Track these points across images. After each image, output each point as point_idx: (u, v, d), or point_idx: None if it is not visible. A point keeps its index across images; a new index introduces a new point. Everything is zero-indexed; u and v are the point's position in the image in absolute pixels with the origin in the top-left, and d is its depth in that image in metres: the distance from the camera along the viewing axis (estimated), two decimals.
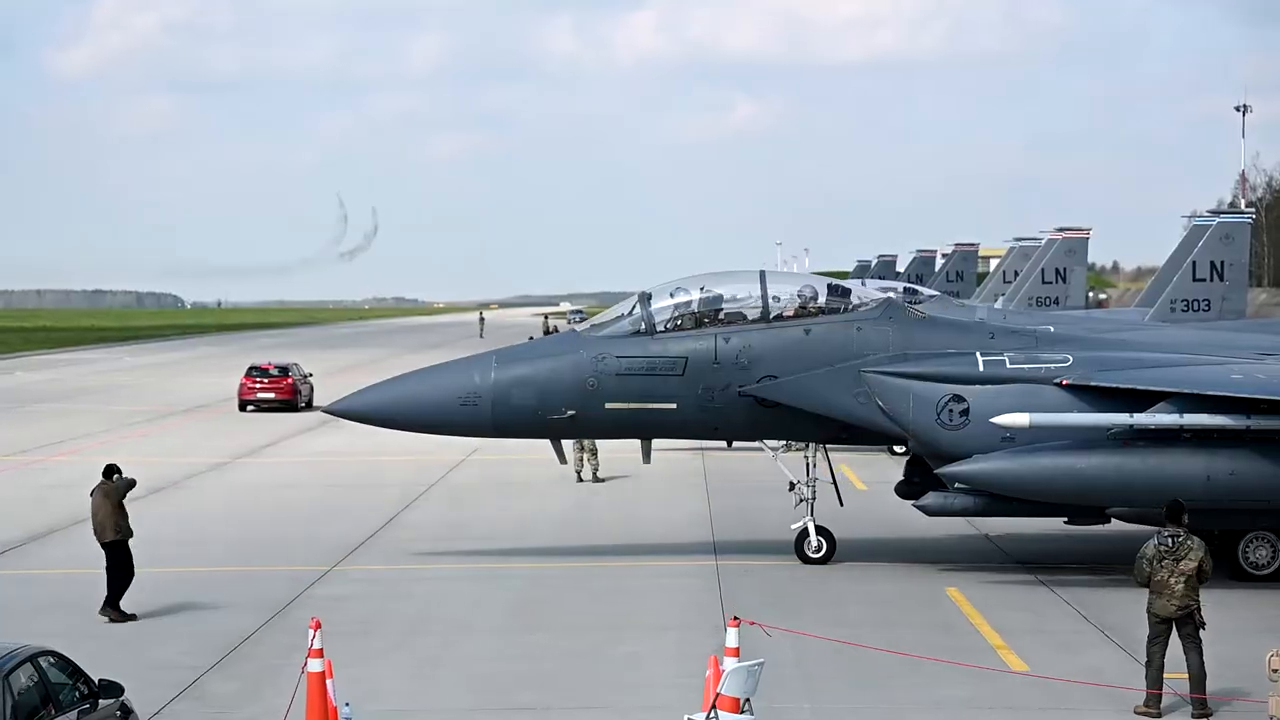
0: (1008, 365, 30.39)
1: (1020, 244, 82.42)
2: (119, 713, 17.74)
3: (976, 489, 29.63)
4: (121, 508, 27.80)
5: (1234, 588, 28.87)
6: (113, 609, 27.29)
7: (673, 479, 43.92)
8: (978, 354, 30.60)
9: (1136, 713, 21.13)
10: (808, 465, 32.16)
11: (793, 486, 32.08)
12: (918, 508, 30.83)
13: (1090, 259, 75.11)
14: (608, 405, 30.86)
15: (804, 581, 29.94)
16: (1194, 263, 57.09)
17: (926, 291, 62.06)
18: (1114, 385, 29.61)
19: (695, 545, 33.65)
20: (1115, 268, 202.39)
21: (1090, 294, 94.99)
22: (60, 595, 29.37)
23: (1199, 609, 21.18)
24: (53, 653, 17.16)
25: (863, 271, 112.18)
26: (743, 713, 18.12)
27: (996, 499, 29.69)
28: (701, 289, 31.60)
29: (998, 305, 68.23)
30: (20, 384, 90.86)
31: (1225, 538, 29.74)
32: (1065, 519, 31.07)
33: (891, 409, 30.40)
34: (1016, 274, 75.96)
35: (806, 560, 31.59)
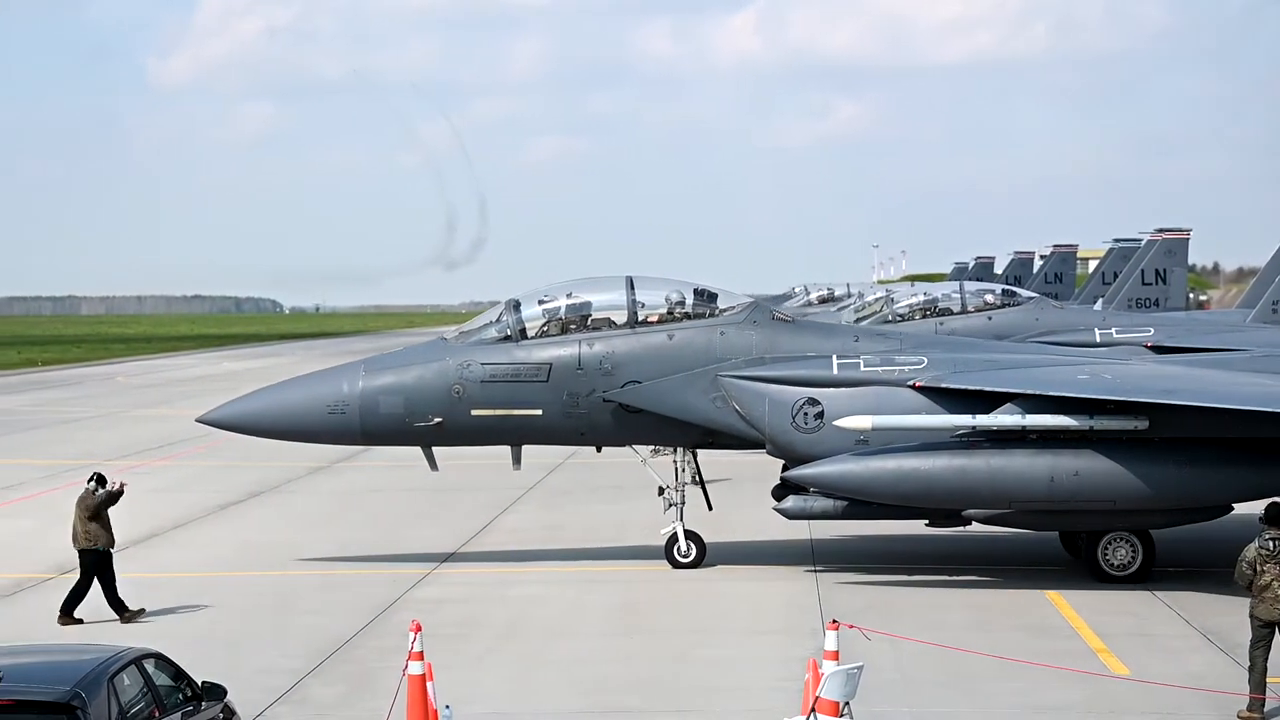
0: (861, 368, 30.50)
1: (1119, 245, 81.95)
2: (222, 715, 17.86)
3: (824, 492, 29.73)
4: (98, 517, 27.79)
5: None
6: (66, 614, 27.46)
7: (765, 480, 43.78)
8: (834, 357, 30.67)
9: (1240, 718, 20.95)
10: (676, 470, 32.13)
11: (662, 491, 32.08)
12: (778, 511, 30.85)
13: (1190, 260, 74.64)
14: (474, 412, 30.87)
15: (902, 585, 29.84)
16: None
17: (1024, 293, 61.63)
18: (964, 387, 29.66)
19: (792, 548, 33.56)
20: (1216, 269, 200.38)
21: (1190, 295, 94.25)
22: (162, 598, 29.60)
23: None
24: (157, 655, 17.31)
25: (960, 274, 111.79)
26: (842, 716, 18.08)
27: (855, 502, 29.68)
28: (569, 295, 31.70)
29: (1097, 307, 67.81)
30: (121, 388, 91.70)
31: (1085, 539, 29.99)
32: (926, 522, 30.95)
33: (748, 413, 30.50)
34: (1116, 275, 75.52)
35: (676, 565, 31.64)
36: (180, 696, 17.12)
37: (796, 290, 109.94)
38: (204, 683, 17.86)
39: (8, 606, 28.64)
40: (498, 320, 31.38)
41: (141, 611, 27.58)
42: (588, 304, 31.55)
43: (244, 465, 45.83)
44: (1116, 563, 29.78)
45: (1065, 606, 27.89)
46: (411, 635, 19.04)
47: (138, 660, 16.67)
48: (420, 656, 18.89)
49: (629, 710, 21.76)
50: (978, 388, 29.48)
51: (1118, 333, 53.30)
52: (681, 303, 31.50)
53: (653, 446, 32.45)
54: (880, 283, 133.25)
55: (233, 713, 18.25)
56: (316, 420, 31.12)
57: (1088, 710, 21.49)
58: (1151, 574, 29.79)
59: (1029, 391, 28.93)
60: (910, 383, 30.09)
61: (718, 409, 30.62)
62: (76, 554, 27.97)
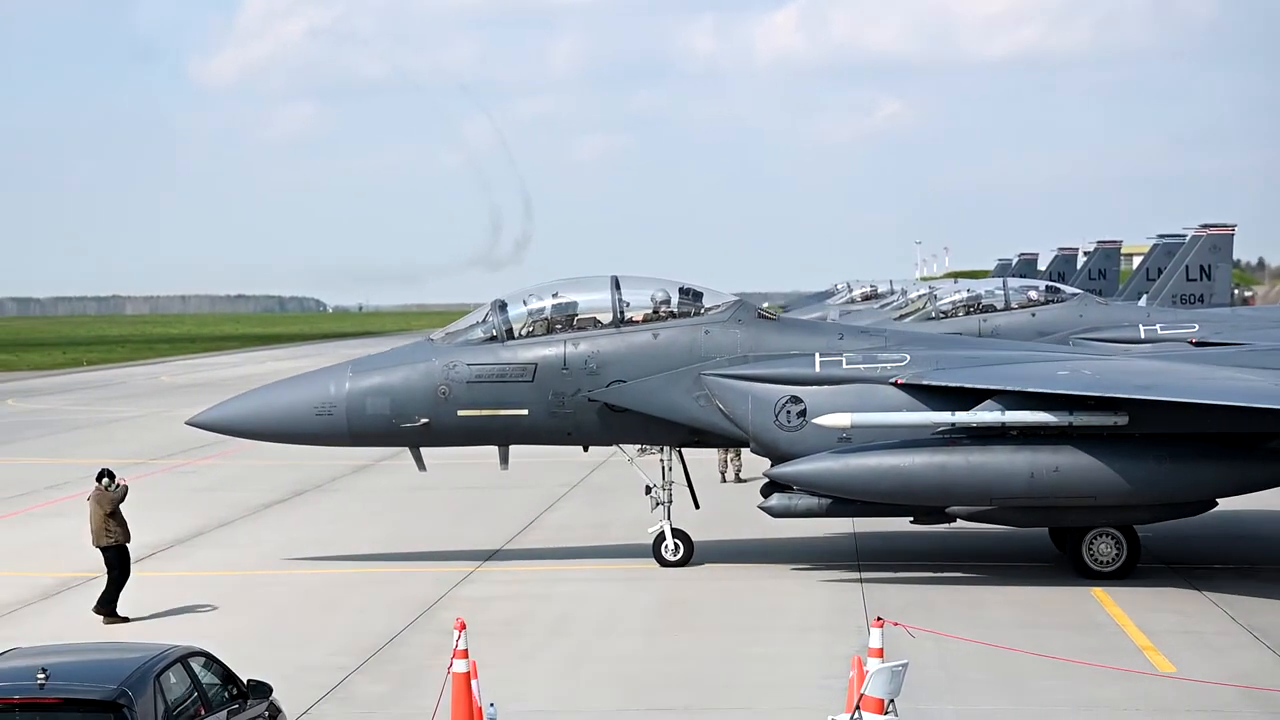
0: (844, 366, 30.53)
1: (1164, 241, 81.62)
2: (268, 713, 17.93)
3: (805, 489, 29.79)
4: (116, 514, 27.91)
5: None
6: (105, 610, 27.67)
7: None
8: (816, 355, 30.69)
9: None
10: (663, 469, 32.15)
11: (649, 490, 32.12)
12: (763, 509, 30.82)
13: (1235, 255, 74.30)
14: (460, 413, 30.96)
15: (947, 582, 29.78)
16: None
17: (1068, 289, 61.49)
18: (945, 384, 29.66)
19: (836, 545, 33.52)
20: (1261, 264, 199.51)
21: (1235, 291, 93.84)
22: (207, 596, 29.71)
23: None
24: (203, 653, 17.38)
25: (1004, 270, 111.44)
26: (887, 714, 18.05)
27: (839, 500, 29.68)
28: (554, 295, 31.76)
29: (1141, 303, 67.57)
30: (165, 387, 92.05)
31: (1070, 535, 30.09)
32: (910, 519, 30.89)
33: (731, 411, 30.55)
34: (1160, 271, 75.19)
35: (664, 564, 31.67)
36: (226, 694, 17.19)
37: (839, 287, 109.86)
38: (250, 680, 17.92)
39: (53, 605, 28.76)
40: (483, 321, 31.51)
41: (125, 620, 27.61)
42: (573, 304, 31.66)
43: (287, 464, 45.93)
44: (1101, 558, 29.84)
45: (1110, 603, 27.80)
46: (456, 633, 19.05)
47: (184, 658, 16.74)
48: (465, 654, 18.90)
49: (674, 708, 21.76)
50: (958, 384, 29.51)
51: (1162, 329, 53.19)
52: (667, 301, 31.58)
53: (639, 446, 32.52)
54: (923, 279, 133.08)
55: (278, 710, 18.31)
56: (304, 422, 31.29)
57: (1133, 708, 21.40)
58: (1136, 570, 29.83)
59: (1009, 388, 28.95)
60: (892, 380, 30.14)
61: (701, 408, 30.71)
62: (100, 552, 28.08)
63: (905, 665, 18.18)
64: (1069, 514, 29.49)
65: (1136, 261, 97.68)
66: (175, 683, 16.30)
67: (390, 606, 28.34)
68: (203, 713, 16.48)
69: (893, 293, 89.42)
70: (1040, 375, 29.66)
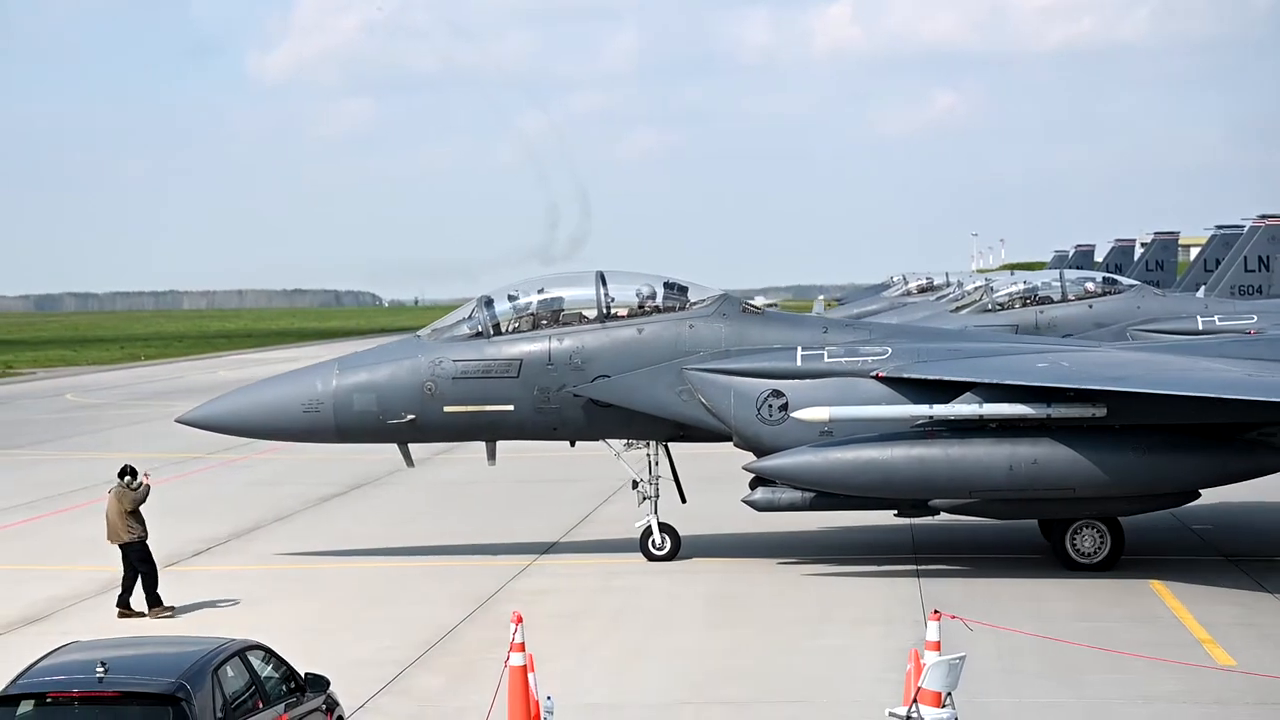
0: (825, 359, 30.56)
1: (1221, 232, 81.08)
2: (325, 706, 17.98)
3: (785, 483, 29.86)
4: (135, 512, 27.98)
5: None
6: (156, 605, 27.84)
7: None
8: (799, 349, 30.70)
9: None
10: (650, 463, 32.11)
11: (636, 485, 32.07)
12: (746, 503, 30.79)
13: None
14: (446, 409, 31.04)
15: (1003, 575, 29.67)
16: None
17: (1126, 281, 61.16)
18: (925, 377, 29.67)
19: (892, 537, 33.44)
20: None
21: None
22: (265, 589, 29.83)
23: None
24: (261, 646, 17.43)
25: (1060, 262, 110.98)
26: (944, 707, 18.00)
27: (822, 494, 29.74)
28: (540, 291, 31.82)
29: (1199, 295, 67.19)
30: (222, 381, 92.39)
31: (1053, 527, 30.18)
32: (895, 512, 30.87)
33: (714, 406, 30.60)
34: (1218, 262, 74.74)
35: (652, 558, 31.68)
36: (284, 688, 17.23)
37: (894, 279, 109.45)
38: (307, 674, 17.98)
39: (110, 599, 28.84)
40: (469, 317, 31.62)
41: (139, 615, 27.69)
42: (559, 299, 31.77)
43: (344, 459, 46.04)
44: (1084, 550, 29.93)
45: (1169, 596, 27.67)
46: (513, 626, 19.06)
47: (242, 652, 16.79)
48: (522, 648, 18.91)
49: (730, 702, 21.74)
50: (937, 377, 29.56)
51: (1220, 320, 52.87)
52: (652, 296, 31.66)
53: (626, 441, 32.49)
54: (979, 271, 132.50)
55: (336, 703, 18.36)
56: (292, 419, 31.43)
57: (1192, 701, 21.30)
58: (1120, 562, 29.83)
59: (987, 380, 28.97)
60: (873, 373, 30.15)
61: (685, 402, 30.80)
62: (119, 549, 28.19)
63: (963, 658, 18.13)
64: (1050, 506, 29.58)
65: (1194, 253, 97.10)
66: (233, 676, 16.35)
67: (447, 600, 28.40)
68: (260, 706, 16.52)
69: (948, 285, 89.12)
70: (1019, 368, 29.75)
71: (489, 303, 31.65)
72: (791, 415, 29.75)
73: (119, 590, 28.09)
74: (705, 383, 30.65)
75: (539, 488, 41.91)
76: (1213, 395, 27.46)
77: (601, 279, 31.67)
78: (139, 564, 28.00)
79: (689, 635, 25.66)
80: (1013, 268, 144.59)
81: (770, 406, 30.23)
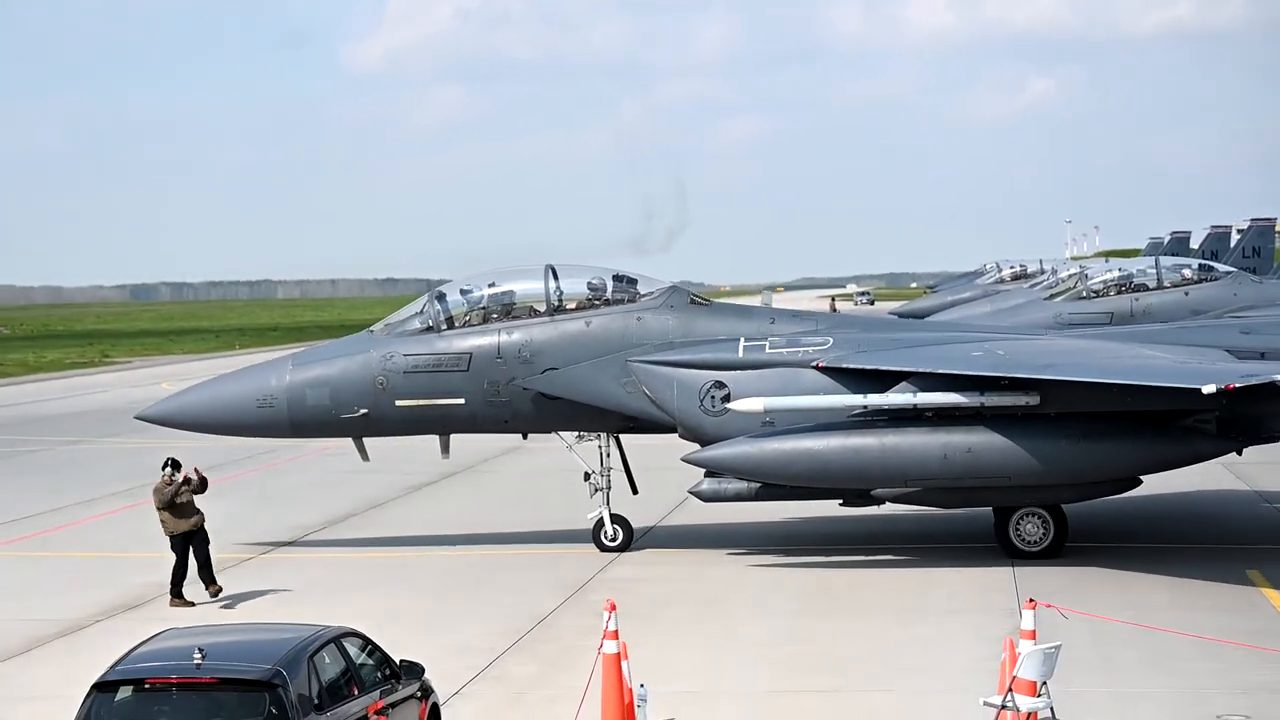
0: (767, 350, 30.61)
1: None
2: (420, 693, 18.06)
3: (723, 474, 29.93)
4: (172, 506, 27.96)
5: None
6: (210, 582, 28.03)
7: None
8: (741, 340, 30.76)
9: None
10: (601, 455, 32.15)
11: (587, 477, 32.11)
12: (693, 494, 30.83)
13: None
14: (398, 403, 31.27)
15: (1099, 563, 29.48)
16: None
17: (1222, 268, 60.61)
18: (863, 367, 29.72)
19: (985, 526, 33.26)
20: None
21: None
22: (360, 577, 30.00)
23: None
24: (356, 633, 17.53)
25: (1155, 249, 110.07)
26: (1039, 696, 17.92)
27: (767, 484, 29.72)
28: (490, 285, 32.00)
29: None
30: None
31: (997, 515, 30.08)
32: (840, 502, 30.83)
33: (658, 397, 30.71)
34: None
35: (604, 549, 31.72)
36: (379, 674, 17.32)
37: (988, 267, 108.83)
38: (402, 661, 18.07)
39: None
40: (421, 311, 31.86)
41: (190, 604, 27.77)
42: (509, 293, 32.00)
43: (436, 447, 46.20)
44: (1028, 538, 29.94)
45: (1265, 585, 27.42)
46: (606, 614, 19.10)
47: (337, 639, 16.88)
48: (615, 635, 18.94)
49: (822, 690, 21.72)
50: (875, 367, 29.64)
51: None
52: (602, 289, 31.84)
53: (577, 433, 32.61)
54: (1073, 259, 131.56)
55: (430, 690, 18.44)
56: (247, 414, 31.70)
57: None
58: (1064, 549, 29.77)
59: (923, 370, 29.04)
60: (814, 363, 30.15)
61: (630, 394, 30.95)
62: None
63: (1058, 647, 18.04)
64: (990, 494, 29.63)
65: None
66: (329, 663, 16.45)
67: (540, 587, 28.49)
68: (355, 692, 16.61)
69: (1042, 272, 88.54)
70: (954, 357, 29.81)
71: (440, 297, 31.97)
72: (726, 406, 29.91)
73: (187, 574, 28.17)
74: (649, 374, 30.82)
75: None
76: (1136, 383, 27.59)
77: (552, 272, 31.87)
78: (191, 547, 28.06)
79: (780, 624, 25.64)
80: (1107, 255, 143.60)
81: (713, 398, 30.39)
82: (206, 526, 28.17)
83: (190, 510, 28.08)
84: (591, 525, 32.12)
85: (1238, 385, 26.23)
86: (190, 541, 28.03)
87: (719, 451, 29.69)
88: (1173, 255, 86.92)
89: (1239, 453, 30.76)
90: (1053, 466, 28.68)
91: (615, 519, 32.07)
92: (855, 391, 29.42)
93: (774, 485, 29.79)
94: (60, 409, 70.27)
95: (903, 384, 29.03)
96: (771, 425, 29.64)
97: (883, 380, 29.31)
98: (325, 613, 24.14)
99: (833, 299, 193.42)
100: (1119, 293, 57.11)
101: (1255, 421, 29.48)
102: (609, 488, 32.16)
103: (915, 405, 28.88)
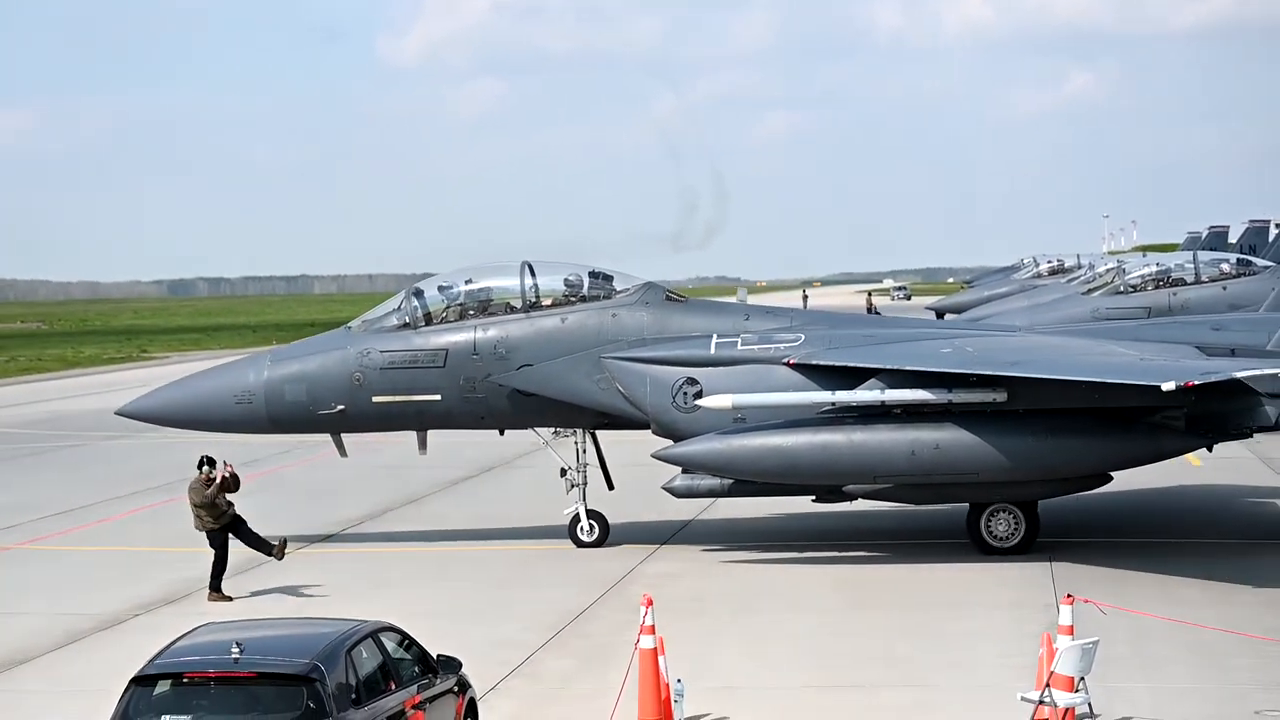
0: (739, 347, 30.66)
1: None
2: (457, 688, 18.07)
3: (693, 470, 30.01)
4: (203, 503, 27.98)
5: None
6: (214, 591, 27.99)
7: None
8: (714, 337, 30.79)
9: None
10: (577, 451, 32.23)
11: (564, 473, 32.13)
12: (666, 490, 30.82)
13: None
14: (375, 399, 31.39)
15: (1136, 559, 29.39)
16: None
17: (1260, 262, 60.36)
18: (833, 363, 29.72)
19: None
20: None
21: None
22: (397, 572, 30.05)
23: None
24: (393, 628, 17.55)
25: (1193, 243, 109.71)
26: (1077, 691, 17.90)
27: (739, 480, 29.71)
28: (467, 281, 32.07)
29: None
30: None
31: (968, 511, 30.07)
32: (813, 498, 30.90)
33: (631, 394, 30.78)
34: None
35: (580, 545, 31.79)
36: (416, 669, 17.34)
37: (1025, 262, 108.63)
38: (439, 655, 18.09)
39: (247, 581, 29.16)
40: (398, 308, 31.96)
41: (229, 599, 27.83)
42: (486, 290, 32.09)
43: (472, 442, 46.15)
44: (998, 534, 29.98)
45: None
46: (643, 609, 19.11)
47: (375, 633, 16.91)
48: (652, 630, 18.97)
49: (859, 685, 21.70)
50: (844, 363, 29.66)
51: None
52: (578, 285, 31.92)
53: (553, 429, 32.71)
54: (1110, 253, 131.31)
55: (467, 685, 18.46)
56: (225, 410, 31.87)
57: None
58: (1035, 545, 29.76)
59: (890, 366, 29.06)
60: (785, 360, 30.15)
61: (603, 390, 31.03)
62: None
63: (1096, 643, 18.03)
64: (959, 490, 29.68)
65: None
66: (366, 657, 16.47)
67: (577, 583, 28.51)
68: (393, 687, 16.63)
69: (1079, 267, 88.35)
70: (922, 354, 29.80)
71: (418, 294, 32.10)
72: (696, 402, 29.96)
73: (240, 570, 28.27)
74: (623, 371, 30.87)
75: (668, 471, 41.84)
76: (1098, 380, 27.58)
77: (529, 269, 31.94)
78: (217, 547, 28.16)
79: (817, 619, 25.64)
80: (1145, 249, 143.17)
81: (685, 394, 30.43)
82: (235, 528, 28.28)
83: (224, 506, 28.21)
84: (567, 521, 32.18)
85: (1197, 383, 26.35)
86: (225, 536, 28.14)
87: (688, 448, 29.74)
88: (1211, 250, 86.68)
89: (1209, 449, 30.90)
90: (1020, 463, 28.73)
91: (591, 514, 32.11)
92: (824, 388, 29.49)
93: (745, 481, 29.83)
94: (97, 405, 70.39)
95: (871, 381, 29.06)
96: (743, 421, 29.66)
97: (852, 377, 29.37)
98: (363, 607, 24.19)
99: (869, 294, 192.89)
100: (1156, 287, 56.89)
101: (1222, 418, 29.64)
102: (585, 484, 32.23)
103: (883, 402, 28.93)
